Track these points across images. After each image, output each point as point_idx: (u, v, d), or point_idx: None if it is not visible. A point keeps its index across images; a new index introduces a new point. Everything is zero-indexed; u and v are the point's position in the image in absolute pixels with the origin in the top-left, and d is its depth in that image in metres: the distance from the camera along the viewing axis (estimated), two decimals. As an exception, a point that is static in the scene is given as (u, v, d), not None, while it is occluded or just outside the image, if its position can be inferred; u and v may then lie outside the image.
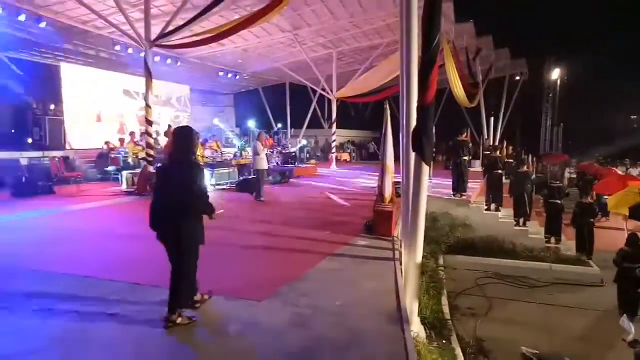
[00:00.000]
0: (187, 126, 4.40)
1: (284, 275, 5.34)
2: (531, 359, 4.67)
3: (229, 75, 22.55)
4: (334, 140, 22.14)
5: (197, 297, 4.34)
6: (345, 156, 27.25)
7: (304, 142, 25.56)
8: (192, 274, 4.13)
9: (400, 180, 5.84)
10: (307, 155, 25.22)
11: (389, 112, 7.46)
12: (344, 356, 3.53)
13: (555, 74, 32.19)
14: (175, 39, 11.75)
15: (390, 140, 7.54)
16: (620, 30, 41.73)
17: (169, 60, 18.07)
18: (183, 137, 4.13)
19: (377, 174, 8.22)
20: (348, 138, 31.72)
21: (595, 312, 7.67)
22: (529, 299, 8.29)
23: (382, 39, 18.77)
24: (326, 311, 4.34)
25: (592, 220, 10.63)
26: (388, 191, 7.70)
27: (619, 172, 14.71)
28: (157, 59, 16.40)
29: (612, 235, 10.76)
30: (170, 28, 11.44)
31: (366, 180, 15.80)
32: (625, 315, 6.58)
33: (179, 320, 3.97)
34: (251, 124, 26.23)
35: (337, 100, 20.64)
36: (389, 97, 15.84)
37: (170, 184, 4.00)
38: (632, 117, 48.03)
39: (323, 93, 22.06)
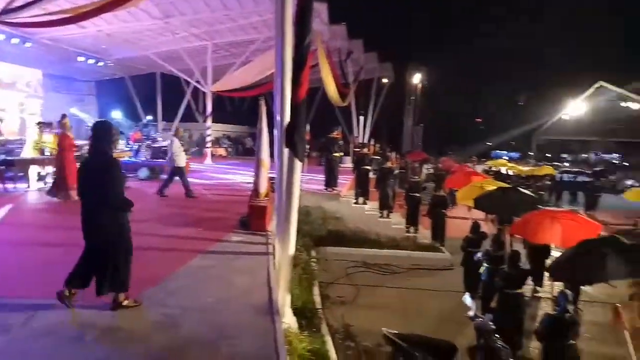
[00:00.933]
0: (105, 121, 4.40)
1: (151, 275, 5.07)
2: (392, 340, 5.12)
3: (90, 61, 20.50)
4: (209, 135, 21.54)
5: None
6: (221, 151, 26.66)
7: (176, 135, 24.37)
8: (127, 261, 4.18)
9: (275, 175, 5.94)
10: (181, 150, 24.12)
11: (264, 108, 7.52)
12: (215, 353, 3.50)
13: (416, 78, 35.36)
14: (22, 17, 10.32)
15: (266, 136, 7.61)
16: (470, 42, 47.30)
17: (15, 40, 15.82)
18: (102, 132, 4.13)
19: (253, 169, 8.23)
20: (224, 133, 31.09)
21: (446, 293, 8.64)
22: (391, 284, 9.04)
23: (259, 34, 18.71)
24: (196, 309, 4.25)
25: (444, 211, 11.96)
26: (263, 186, 7.76)
27: (467, 169, 16.70)
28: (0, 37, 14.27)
29: (461, 224, 12.15)
30: (18, 3, 10.02)
31: (242, 175, 15.68)
32: (467, 293, 7.54)
33: (125, 302, 4.15)
34: (116, 114, 24.22)
35: (212, 94, 20.10)
36: (265, 93, 15.90)
37: (91, 179, 4.03)
38: (477, 120, 55.03)
39: (198, 86, 21.29)
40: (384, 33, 37.44)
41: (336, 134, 12.41)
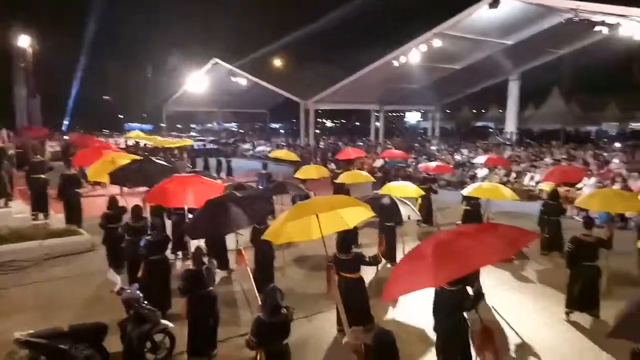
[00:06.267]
0: None
1: None
2: (27, 341, 4.52)
3: None
4: None
5: None
6: None
7: None
8: None
9: None
10: None
11: None
12: None
13: (24, 42, 30.14)
14: None
15: None
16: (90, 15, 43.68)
17: None
18: None
19: None
20: None
21: (91, 275, 8.18)
22: (22, 282, 7.90)
23: None
24: None
25: (77, 190, 11.08)
26: None
27: (97, 144, 15.76)
28: None
29: (99, 201, 11.56)
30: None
31: None
32: (111, 269, 7.42)
33: None
34: None
35: None
36: None
37: None
38: (104, 97, 52.16)
39: None
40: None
41: None
